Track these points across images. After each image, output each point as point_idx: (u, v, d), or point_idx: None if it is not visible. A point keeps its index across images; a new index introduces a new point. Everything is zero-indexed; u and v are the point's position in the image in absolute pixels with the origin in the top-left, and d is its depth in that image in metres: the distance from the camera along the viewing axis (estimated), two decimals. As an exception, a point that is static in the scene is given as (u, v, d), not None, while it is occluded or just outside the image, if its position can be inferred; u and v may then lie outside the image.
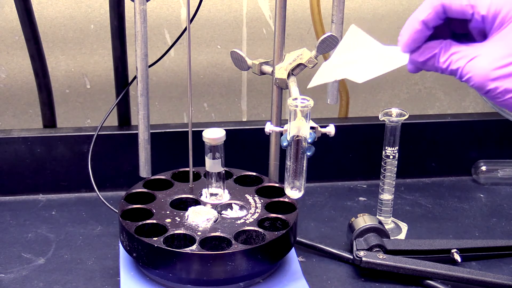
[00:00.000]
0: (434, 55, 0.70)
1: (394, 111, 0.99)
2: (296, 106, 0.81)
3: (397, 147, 1.00)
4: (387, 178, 1.02)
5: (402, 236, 1.03)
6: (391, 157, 1.01)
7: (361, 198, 1.15)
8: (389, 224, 1.04)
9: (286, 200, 0.95)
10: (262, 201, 0.95)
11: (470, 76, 0.67)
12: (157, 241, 0.86)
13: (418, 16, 0.70)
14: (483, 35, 0.70)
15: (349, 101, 1.27)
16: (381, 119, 0.99)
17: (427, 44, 0.71)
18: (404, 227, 1.05)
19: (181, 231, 0.88)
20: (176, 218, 0.91)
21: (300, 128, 0.82)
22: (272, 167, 1.03)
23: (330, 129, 0.87)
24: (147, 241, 0.86)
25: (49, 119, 1.15)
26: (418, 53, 0.72)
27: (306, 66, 0.95)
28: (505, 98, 0.66)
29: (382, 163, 1.01)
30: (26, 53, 1.09)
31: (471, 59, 0.68)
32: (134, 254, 0.88)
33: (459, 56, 0.69)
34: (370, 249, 0.94)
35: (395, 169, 1.01)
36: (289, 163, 0.83)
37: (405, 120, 0.99)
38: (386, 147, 1.00)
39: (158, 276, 0.89)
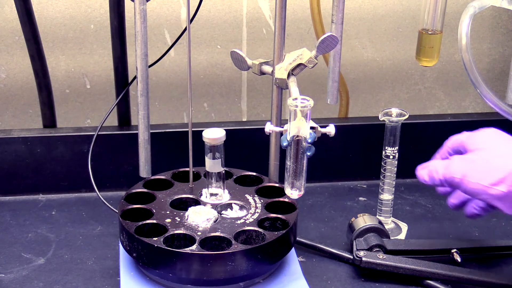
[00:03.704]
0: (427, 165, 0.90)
1: (394, 111, 0.99)
2: (296, 106, 0.81)
3: (397, 147, 1.00)
4: (387, 178, 1.02)
5: (402, 236, 1.03)
6: (391, 157, 1.00)
7: (361, 198, 1.15)
8: (389, 224, 1.04)
9: (286, 200, 0.95)
10: (262, 201, 0.95)
11: (448, 169, 0.85)
12: (157, 241, 0.86)
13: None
14: None
15: (349, 101, 1.27)
16: (381, 119, 0.99)
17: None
18: (404, 227, 1.05)
19: (181, 231, 0.88)
20: (176, 218, 0.91)
21: (300, 128, 0.82)
22: (272, 167, 1.03)
23: (330, 129, 0.87)
24: (147, 241, 0.86)
25: (49, 119, 1.15)
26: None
27: (306, 66, 0.95)
28: (468, 187, 0.83)
29: (382, 163, 1.01)
30: (26, 53, 1.09)
31: (445, 163, 0.86)
32: (134, 254, 0.88)
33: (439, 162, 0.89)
34: (370, 249, 0.94)
35: (395, 169, 1.01)
36: (289, 163, 0.83)
37: (405, 120, 0.99)
38: (386, 147, 1.00)
39: (158, 276, 0.89)
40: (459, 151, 0.90)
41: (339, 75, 1.07)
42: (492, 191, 0.81)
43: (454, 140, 0.91)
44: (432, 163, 0.89)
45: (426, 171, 0.88)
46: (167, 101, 1.30)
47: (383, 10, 1.30)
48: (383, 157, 1.01)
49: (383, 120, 0.99)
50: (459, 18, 0.99)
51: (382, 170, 1.02)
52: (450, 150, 0.92)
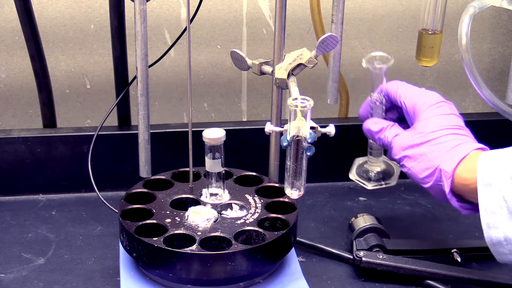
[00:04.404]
0: (381, 129, 0.94)
1: (378, 54, 0.95)
2: (296, 106, 0.81)
3: (383, 93, 0.97)
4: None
5: (395, 178, 1.00)
6: (377, 103, 0.96)
7: (361, 198, 1.15)
8: (380, 165, 1.01)
9: (286, 200, 0.95)
10: (262, 201, 0.95)
11: (392, 147, 0.92)
12: (157, 241, 0.86)
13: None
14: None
15: (349, 101, 1.27)
16: (364, 67, 0.95)
17: (382, 120, 0.96)
18: (396, 167, 1.00)
19: (181, 231, 0.88)
20: (176, 218, 0.91)
21: (300, 128, 0.82)
22: (272, 167, 1.03)
23: (330, 129, 0.87)
24: (147, 241, 0.86)
25: (49, 119, 1.15)
26: (373, 124, 0.95)
27: (306, 66, 0.95)
28: (406, 170, 0.90)
29: (369, 109, 0.98)
30: (26, 53, 1.09)
31: (395, 135, 0.92)
32: (134, 254, 0.88)
33: (392, 133, 0.93)
34: (370, 249, 0.94)
35: (383, 113, 0.97)
36: (289, 163, 0.83)
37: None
38: (371, 94, 0.97)
39: (158, 276, 0.89)
40: (394, 104, 0.96)
41: (339, 75, 1.07)
42: (423, 184, 0.89)
43: (393, 93, 0.96)
44: (391, 127, 0.93)
45: (379, 127, 0.94)
46: (167, 101, 1.30)
47: (383, 10, 1.30)
48: (370, 104, 0.98)
49: (367, 67, 0.95)
50: (459, 18, 0.99)
51: (369, 115, 0.98)
52: (386, 97, 0.97)
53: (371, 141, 0.99)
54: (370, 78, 0.97)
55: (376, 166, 1.01)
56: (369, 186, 1.00)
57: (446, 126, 0.89)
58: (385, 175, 1.01)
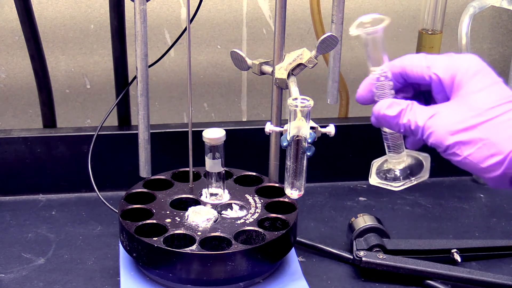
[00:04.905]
0: (400, 111, 0.72)
1: (368, 18, 0.75)
2: (296, 106, 0.81)
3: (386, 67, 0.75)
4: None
5: (426, 170, 0.79)
6: (382, 78, 0.75)
7: (361, 198, 1.15)
8: (404, 159, 0.79)
9: (286, 200, 0.95)
10: (262, 201, 0.95)
11: (431, 132, 0.70)
12: (157, 241, 0.86)
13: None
14: (446, 99, 0.73)
15: (349, 101, 1.27)
16: (354, 34, 0.74)
17: (396, 100, 0.74)
18: (425, 157, 0.79)
19: (181, 231, 0.88)
20: (176, 218, 0.91)
21: (300, 128, 0.82)
22: (272, 167, 1.03)
23: (330, 129, 0.87)
24: (147, 241, 0.86)
25: (49, 119, 1.15)
26: (389, 108, 0.73)
27: (306, 66, 0.95)
28: (460, 159, 0.69)
29: (374, 91, 0.76)
30: (26, 53, 1.09)
31: (431, 116, 0.70)
32: (134, 254, 0.88)
33: (421, 113, 0.71)
34: (370, 249, 0.94)
35: (393, 92, 0.76)
36: (289, 163, 0.83)
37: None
38: (372, 69, 0.75)
39: (158, 276, 0.89)
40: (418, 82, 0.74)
41: (339, 75, 1.07)
42: (486, 173, 0.69)
43: (416, 68, 0.73)
44: (412, 107, 0.72)
45: (397, 110, 0.72)
46: (167, 101, 1.30)
47: (383, 10, 1.30)
48: (376, 83, 0.75)
49: (358, 35, 0.74)
50: (459, 18, 0.99)
51: (375, 92, 0.76)
52: (400, 78, 0.75)
53: (386, 131, 0.78)
54: (366, 50, 0.75)
55: (399, 162, 0.80)
56: (397, 186, 0.79)
57: (505, 98, 0.69)
58: (412, 169, 0.80)
